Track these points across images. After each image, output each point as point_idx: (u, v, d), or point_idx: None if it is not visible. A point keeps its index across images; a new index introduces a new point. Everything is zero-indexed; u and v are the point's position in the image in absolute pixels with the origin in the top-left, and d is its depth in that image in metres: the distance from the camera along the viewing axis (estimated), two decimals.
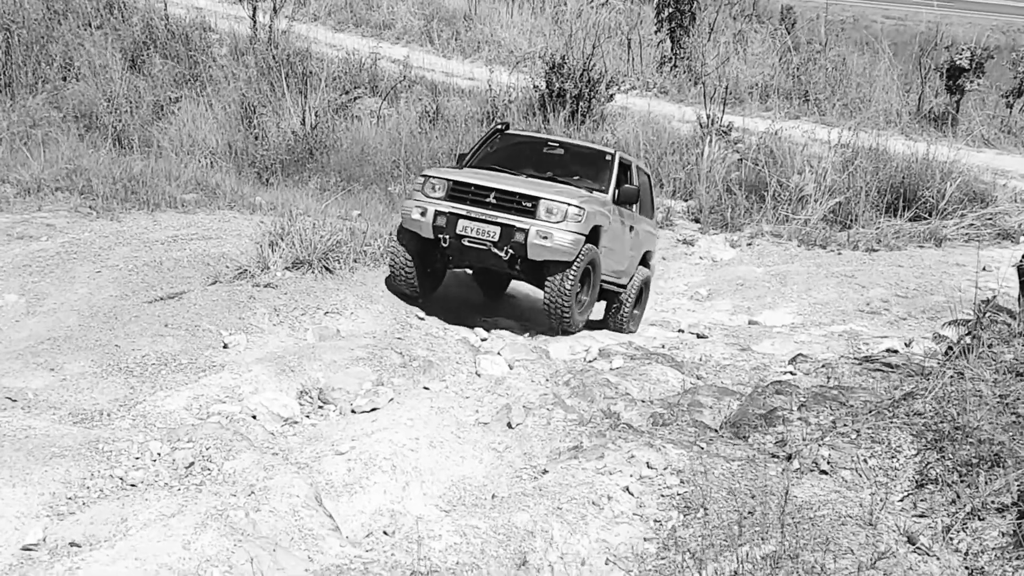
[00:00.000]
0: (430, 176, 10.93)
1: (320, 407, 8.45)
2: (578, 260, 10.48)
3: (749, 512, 6.15)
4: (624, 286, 12.22)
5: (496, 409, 8.31)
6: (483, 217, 10.49)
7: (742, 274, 14.63)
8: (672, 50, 23.37)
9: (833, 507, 6.07)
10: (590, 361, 9.84)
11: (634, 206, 12.18)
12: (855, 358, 9.64)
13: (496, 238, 10.45)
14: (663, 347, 11.02)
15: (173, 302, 10.07)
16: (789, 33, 25.02)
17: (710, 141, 17.72)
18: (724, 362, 10.46)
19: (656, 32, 23.79)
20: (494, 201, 10.54)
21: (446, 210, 10.57)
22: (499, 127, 12.46)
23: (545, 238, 10.35)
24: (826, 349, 10.90)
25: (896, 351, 9.97)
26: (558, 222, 10.37)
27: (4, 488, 6.43)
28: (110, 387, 8.48)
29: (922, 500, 6.01)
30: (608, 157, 11.96)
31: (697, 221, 16.71)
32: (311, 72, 19.18)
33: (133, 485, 6.79)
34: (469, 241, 10.50)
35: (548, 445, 7.74)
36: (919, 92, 21.92)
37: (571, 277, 10.47)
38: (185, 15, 21.48)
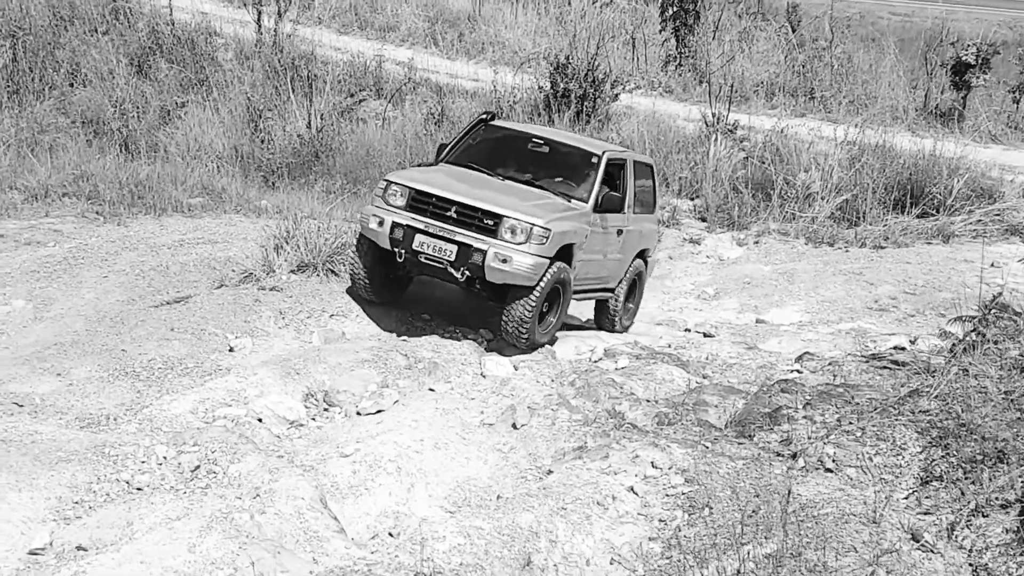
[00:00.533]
0: (392, 182, 10.27)
1: (325, 410, 8.47)
2: (540, 286, 9.83)
3: (753, 511, 6.15)
4: (612, 289, 11.77)
5: (501, 410, 8.31)
6: (441, 233, 9.85)
7: (749, 272, 14.60)
8: (677, 49, 23.35)
9: (837, 505, 6.07)
10: (595, 361, 9.84)
11: (627, 205, 11.53)
12: (862, 356, 9.62)
13: (453, 257, 9.83)
14: (669, 346, 11.01)
15: (179, 306, 10.10)
16: (794, 31, 24.96)
17: (716, 140, 17.69)
18: (730, 361, 10.44)
19: (661, 31, 23.77)
20: (455, 216, 9.88)
21: (404, 222, 9.95)
22: (483, 117, 11.76)
23: (504, 261, 9.67)
24: (833, 347, 10.88)
25: (903, 348, 9.96)
26: (520, 243, 9.69)
27: (11, 493, 6.46)
28: (116, 391, 8.51)
29: (927, 497, 5.99)
30: (594, 159, 11.15)
31: (703, 220, 16.68)
32: (316, 75, 19.21)
33: (139, 489, 6.82)
34: (425, 258, 9.91)
35: (553, 445, 7.75)
36: (925, 88, 21.86)
37: (530, 305, 9.80)
38: (191, 20, 21.53)
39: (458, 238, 9.82)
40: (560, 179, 10.99)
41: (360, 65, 20.86)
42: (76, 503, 6.58)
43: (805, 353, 10.16)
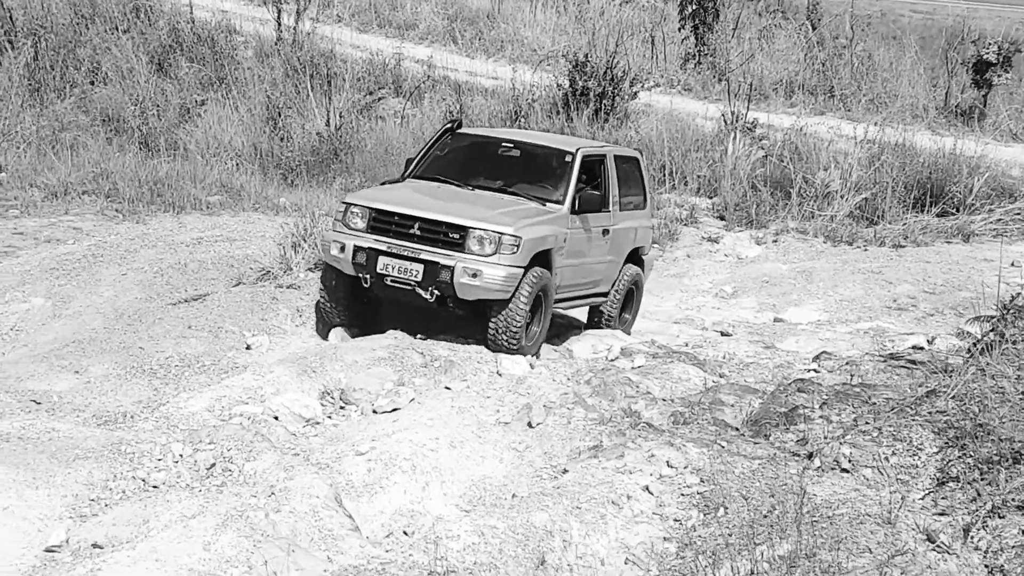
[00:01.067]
0: (351, 203, 9.80)
1: (341, 408, 8.49)
2: (521, 295, 9.38)
3: (768, 511, 6.13)
4: (605, 294, 11.22)
5: (517, 409, 8.31)
6: (405, 252, 9.36)
7: (767, 271, 14.55)
8: (696, 47, 23.27)
9: (852, 506, 6.04)
10: (612, 360, 9.82)
11: (612, 203, 10.93)
12: (880, 355, 9.58)
13: (420, 277, 9.33)
14: (686, 345, 10.98)
15: (197, 304, 10.15)
16: (815, 29, 24.83)
17: (735, 138, 17.63)
18: (747, 360, 10.41)
19: (680, 29, 23.69)
20: (419, 233, 9.41)
21: (366, 245, 9.46)
22: (449, 126, 11.21)
23: (474, 276, 9.19)
24: (851, 346, 10.83)
25: (921, 348, 9.90)
26: (489, 255, 9.23)
27: (28, 490, 6.50)
28: (134, 389, 8.56)
29: (943, 498, 5.96)
30: (568, 158, 10.54)
31: (722, 218, 16.61)
32: (335, 73, 19.26)
33: (155, 486, 6.85)
34: (391, 280, 9.42)
35: (568, 444, 7.74)
36: (946, 87, 21.72)
37: (517, 317, 9.39)
38: (211, 18, 21.60)
39: (423, 256, 9.35)
40: (534, 183, 10.50)
41: (379, 63, 20.89)
42: (92, 500, 6.62)
43: (823, 352, 10.12)
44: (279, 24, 21.02)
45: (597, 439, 7.76)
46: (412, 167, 10.83)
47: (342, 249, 9.55)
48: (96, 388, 8.48)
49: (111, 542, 6.15)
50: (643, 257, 11.96)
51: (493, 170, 10.68)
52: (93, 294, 10.35)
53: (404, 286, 9.43)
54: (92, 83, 19.00)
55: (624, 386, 8.81)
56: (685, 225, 15.95)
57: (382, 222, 9.56)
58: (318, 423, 8.19)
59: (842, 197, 16.26)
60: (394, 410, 8.30)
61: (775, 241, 15.66)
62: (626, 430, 7.81)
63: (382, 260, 9.43)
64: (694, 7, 23.10)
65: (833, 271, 14.10)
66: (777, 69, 22.76)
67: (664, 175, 17.28)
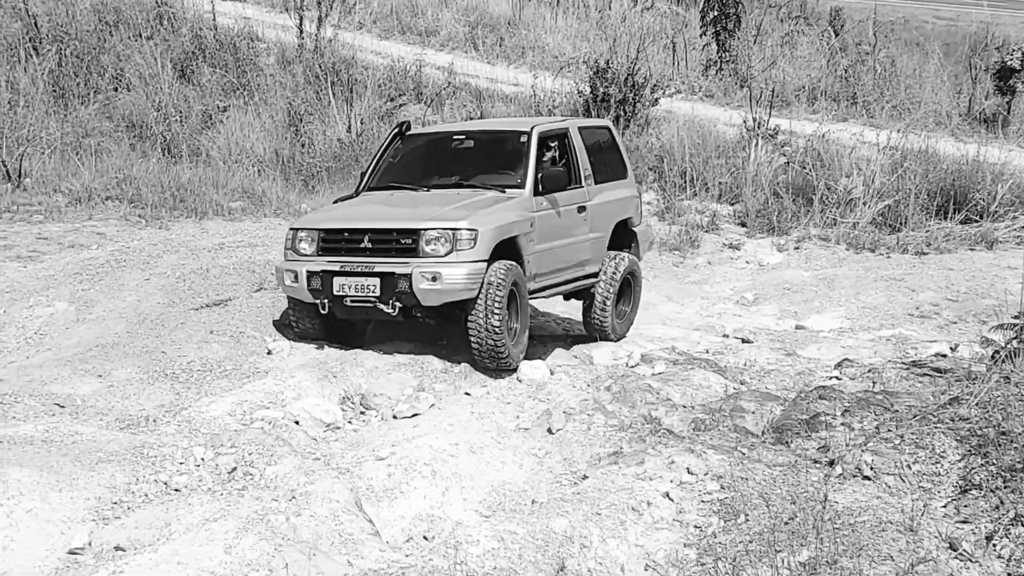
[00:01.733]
0: (298, 228, 9.40)
1: (362, 413, 8.51)
2: (492, 290, 8.85)
3: (789, 518, 6.10)
4: (595, 274, 10.60)
5: (537, 414, 8.31)
6: (359, 268, 8.92)
7: (789, 278, 14.50)
8: (717, 53, 23.25)
9: (874, 513, 6.01)
10: (632, 366, 9.80)
11: (584, 178, 10.42)
12: (902, 362, 9.54)
13: (378, 292, 8.83)
14: (707, 352, 10.95)
15: (219, 309, 10.20)
16: (837, 35, 24.78)
17: (756, 144, 17.59)
18: (769, 367, 10.38)
19: (701, 35, 23.68)
20: (371, 246, 8.96)
21: (318, 269, 9.02)
22: (397, 130, 10.63)
23: (434, 279, 8.68)
24: (873, 354, 10.78)
25: (944, 355, 9.85)
26: (445, 254, 8.74)
27: (51, 493, 6.54)
28: (156, 393, 8.61)
29: (965, 506, 5.92)
30: (523, 138, 9.97)
31: (743, 225, 16.57)
32: (357, 80, 19.32)
33: (177, 490, 6.89)
34: (351, 300, 8.94)
35: (588, 451, 7.73)
36: (969, 93, 21.62)
37: (495, 317, 8.84)
38: (233, 25, 21.72)
39: (378, 268, 8.87)
40: (491, 171, 9.98)
41: (400, 69, 20.95)
42: (115, 503, 6.66)
43: (844, 360, 10.08)
44: (301, 31, 21.11)
45: (617, 445, 7.75)
46: (365, 179, 10.39)
47: (295, 278, 9.14)
48: (119, 392, 8.54)
49: (133, 545, 6.19)
50: (634, 229, 11.35)
51: (447, 166, 10.25)
52: (116, 299, 10.41)
53: (364, 304, 8.94)
54: (116, 89, 19.11)
55: (644, 392, 8.80)
56: (706, 232, 15.92)
57: (331, 242, 9.16)
58: (338, 428, 8.22)
59: (864, 204, 16.19)
60: (414, 415, 8.32)
61: (797, 248, 15.61)
62: (646, 436, 7.81)
63: (337, 281, 8.95)
64: (716, 13, 23.10)
65: (855, 278, 14.04)
66: (799, 75, 22.71)
67: (685, 182, 17.26)
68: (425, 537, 6.74)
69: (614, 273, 10.73)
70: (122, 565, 5.89)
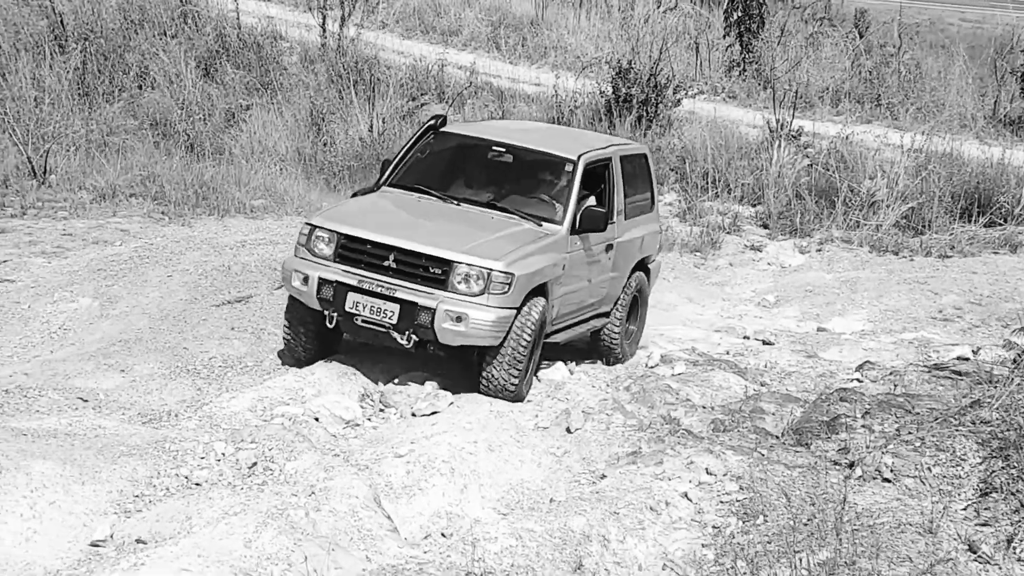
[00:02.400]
0: (316, 226, 8.54)
1: (381, 410, 8.53)
2: (525, 337, 8.26)
3: (807, 519, 6.09)
4: (607, 314, 10.00)
5: (556, 414, 8.32)
6: (379, 290, 8.17)
7: (811, 280, 14.45)
8: (741, 54, 23.19)
9: (894, 515, 5.99)
10: (652, 367, 9.81)
11: (617, 213, 9.77)
12: (924, 365, 9.50)
13: (395, 320, 8.13)
14: (727, 353, 10.92)
15: (240, 306, 10.27)
16: (862, 36, 24.67)
17: (779, 146, 17.52)
18: (789, 369, 10.35)
19: (724, 36, 23.62)
20: (394, 265, 8.19)
21: (332, 278, 8.28)
22: (432, 124, 9.71)
23: (459, 320, 7.99)
24: (895, 356, 10.74)
25: (966, 359, 9.80)
26: (477, 294, 8.02)
27: (74, 485, 6.60)
28: (178, 388, 8.67)
29: (985, 509, 5.90)
30: (569, 167, 9.19)
31: (765, 227, 16.51)
32: (379, 79, 19.37)
33: (198, 484, 6.93)
34: (363, 321, 8.27)
35: (607, 450, 7.74)
36: (994, 96, 21.49)
37: (517, 366, 8.28)
38: (256, 24, 21.83)
39: (399, 295, 8.14)
40: (528, 196, 9.21)
41: (422, 69, 20.99)
42: (137, 496, 6.71)
43: (866, 362, 10.05)
44: (324, 30, 21.19)
45: (636, 445, 7.76)
46: (390, 172, 9.50)
47: (305, 281, 8.39)
48: (141, 387, 8.60)
49: (154, 537, 6.23)
50: (649, 266, 10.76)
51: (482, 179, 9.45)
52: (139, 295, 10.48)
53: (377, 327, 8.27)
54: (140, 87, 19.22)
55: (664, 393, 8.80)
56: (728, 233, 15.87)
57: (352, 250, 8.37)
58: (358, 425, 8.24)
59: (888, 206, 16.11)
60: (433, 413, 8.34)
61: (819, 250, 15.55)
62: (665, 437, 7.81)
63: (352, 297, 8.24)
64: (739, 14, 23.04)
65: (878, 281, 13.98)
66: (823, 77, 22.61)
67: (707, 183, 17.21)
68: (443, 534, 6.76)
69: (626, 295, 10.19)
70: (143, 557, 5.92)
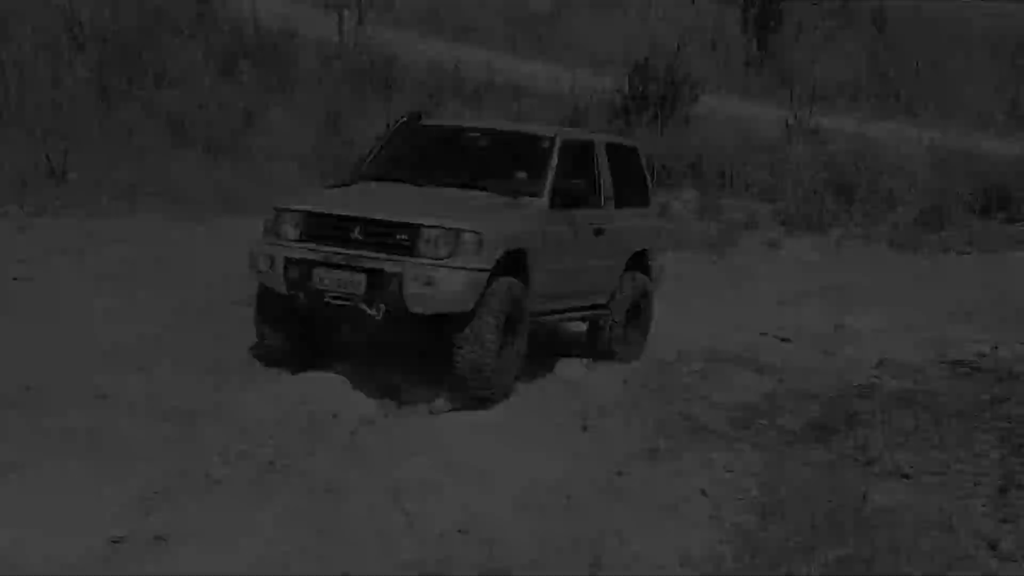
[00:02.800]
0: (282, 209, 8.37)
1: (398, 408, 8.55)
2: (488, 308, 7.87)
3: (826, 516, 6.08)
4: (604, 305, 9.77)
5: (572, 411, 8.32)
6: (344, 262, 7.90)
7: (829, 277, 14.42)
8: (758, 51, 23.15)
9: (913, 512, 5.97)
10: (669, 364, 9.79)
11: (604, 197, 9.59)
12: (943, 362, 9.48)
13: (363, 290, 7.83)
14: (745, 350, 10.89)
15: None
16: (880, 33, 24.59)
17: (797, 142, 17.50)
18: (808, 366, 10.34)
19: (742, 33, 23.59)
20: (360, 237, 7.91)
21: (298, 256, 8.05)
22: (405, 118, 9.69)
23: (427, 283, 7.66)
24: (914, 353, 10.70)
25: (985, 355, 9.77)
26: (445, 257, 7.70)
27: (93, 482, 6.63)
28: (197, 387, 8.69)
29: (1005, 505, 5.88)
30: (546, 144, 9.03)
31: (784, 223, 16.50)
32: (396, 77, 19.41)
33: (217, 481, 6.95)
34: (331, 297, 7.95)
35: (624, 447, 7.73)
36: (1014, 92, 21.38)
37: (487, 337, 7.86)
38: (274, 23, 21.88)
39: (367, 264, 7.84)
40: (505, 175, 8.88)
41: (439, 67, 21.02)
42: (156, 493, 6.73)
43: (885, 359, 10.01)
44: (341, 29, 21.24)
45: (653, 442, 7.75)
46: (364, 167, 9.39)
47: (271, 263, 8.18)
48: (161, 385, 8.63)
49: (174, 534, 6.26)
50: (650, 264, 10.47)
51: (457, 164, 9.22)
52: (159, 294, 10.53)
53: (345, 302, 7.96)
54: (158, 87, 19.31)
55: (681, 390, 8.79)
56: (746, 230, 15.87)
57: (317, 227, 8.13)
58: (375, 423, 8.25)
59: (906, 203, 16.07)
60: (451, 410, 8.35)
61: (837, 247, 15.53)
62: (683, 434, 7.80)
63: (317, 273, 7.97)
64: (757, 11, 23.01)
65: (896, 277, 13.95)
66: (841, 73, 22.56)
67: (725, 180, 17.19)
68: (460, 531, 6.76)
69: (624, 293, 9.96)
70: (163, 554, 5.96)
